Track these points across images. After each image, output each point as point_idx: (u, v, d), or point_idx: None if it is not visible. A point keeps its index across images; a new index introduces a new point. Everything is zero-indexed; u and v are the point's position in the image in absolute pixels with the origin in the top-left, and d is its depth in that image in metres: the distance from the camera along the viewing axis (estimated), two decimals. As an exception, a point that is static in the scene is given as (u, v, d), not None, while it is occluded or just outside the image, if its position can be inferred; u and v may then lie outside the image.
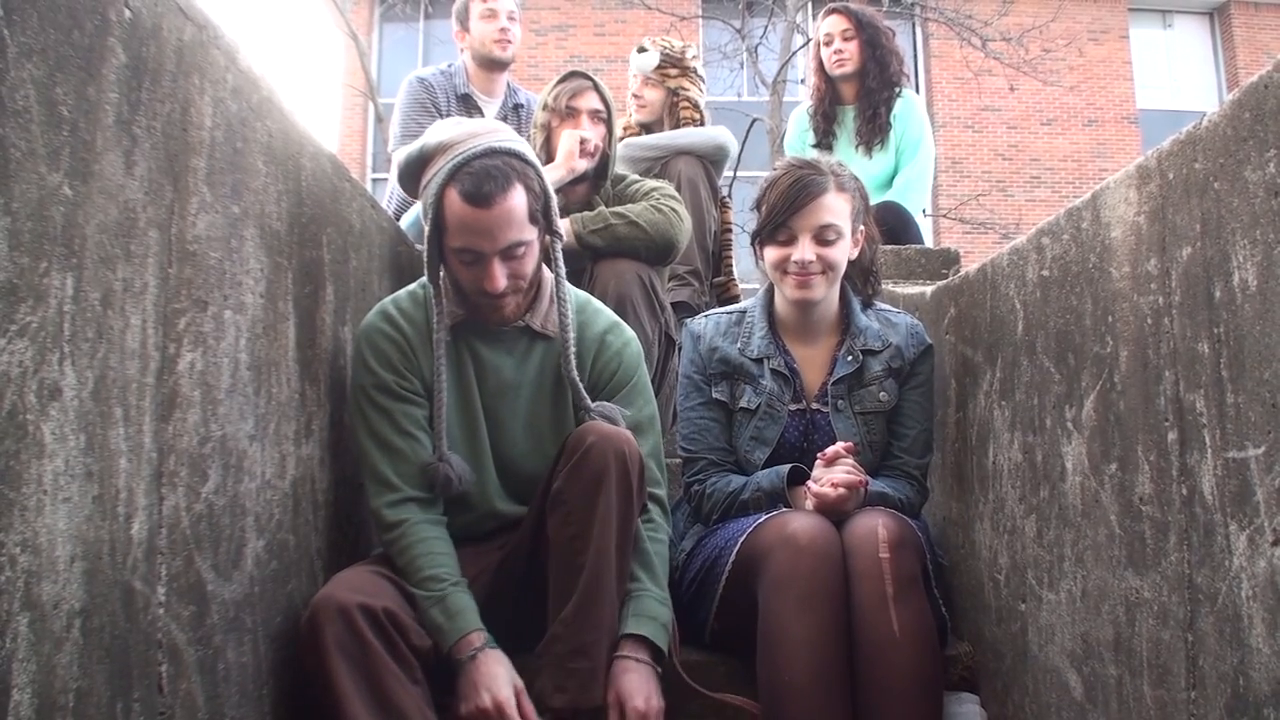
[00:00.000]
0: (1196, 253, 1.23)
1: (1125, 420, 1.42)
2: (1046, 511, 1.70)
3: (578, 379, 1.94)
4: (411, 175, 1.93)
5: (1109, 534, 1.47)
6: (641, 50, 3.70)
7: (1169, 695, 1.31)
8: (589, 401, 1.94)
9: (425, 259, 1.90)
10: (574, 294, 2.09)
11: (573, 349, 1.94)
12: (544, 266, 2.01)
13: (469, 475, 1.92)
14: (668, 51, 3.71)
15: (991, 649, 2.00)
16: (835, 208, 2.13)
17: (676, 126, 3.69)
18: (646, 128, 3.73)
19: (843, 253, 2.15)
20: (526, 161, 1.88)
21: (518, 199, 1.82)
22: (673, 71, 3.70)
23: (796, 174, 2.14)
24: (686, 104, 3.70)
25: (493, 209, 1.80)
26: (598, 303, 2.15)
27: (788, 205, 2.11)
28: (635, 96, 3.71)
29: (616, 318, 2.14)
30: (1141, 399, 1.37)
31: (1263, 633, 1.10)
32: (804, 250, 2.10)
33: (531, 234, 1.88)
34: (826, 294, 2.18)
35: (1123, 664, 1.43)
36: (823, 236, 2.11)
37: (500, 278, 1.85)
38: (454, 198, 1.81)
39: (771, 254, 2.16)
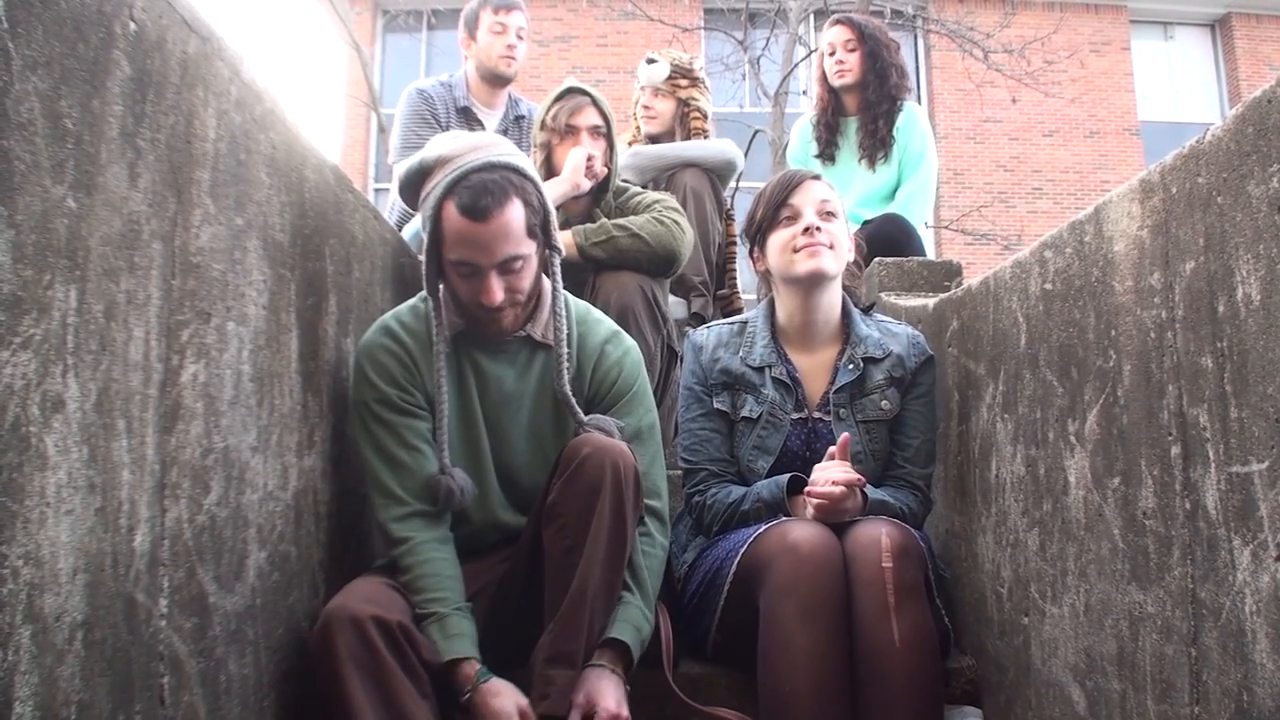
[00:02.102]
0: (1200, 267, 1.23)
1: (1128, 434, 1.42)
2: (1049, 525, 1.70)
3: (570, 394, 1.94)
4: (411, 188, 1.94)
5: (1112, 548, 1.47)
6: (651, 62, 3.70)
7: (1172, 710, 1.30)
8: (582, 416, 1.94)
9: (424, 271, 1.91)
10: (574, 304, 2.10)
11: (566, 364, 1.95)
12: (544, 278, 2.02)
13: (472, 489, 1.92)
14: (677, 62, 3.72)
15: (994, 662, 1.99)
16: (830, 192, 2.23)
17: (688, 137, 3.70)
18: (655, 139, 3.74)
19: (843, 233, 2.21)
20: (525, 176, 1.88)
21: (515, 213, 1.83)
22: (683, 82, 3.71)
23: (785, 171, 2.27)
24: (697, 114, 3.72)
25: (489, 223, 1.80)
26: (598, 312, 2.16)
27: (785, 187, 2.20)
28: (645, 108, 3.72)
29: (616, 327, 2.15)
30: (1144, 413, 1.37)
31: (1266, 648, 1.10)
32: (810, 217, 2.16)
33: (529, 248, 1.88)
34: (834, 277, 2.20)
35: (1126, 679, 1.43)
36: (824, 210, 2.18)
37: (497, 291, 1.85)
38: (451, 211, 1.82)
39: (778, 239, 2.19)
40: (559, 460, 1.84)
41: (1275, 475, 1.08)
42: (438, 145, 1.91)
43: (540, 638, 1.75)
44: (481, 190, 1.80)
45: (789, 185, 2.20)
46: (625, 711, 1.74)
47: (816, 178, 2.23)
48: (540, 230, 1.91)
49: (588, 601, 1.75)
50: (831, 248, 2.16)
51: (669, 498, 2.08)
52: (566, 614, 1.74)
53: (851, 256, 2.27)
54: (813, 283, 2.18)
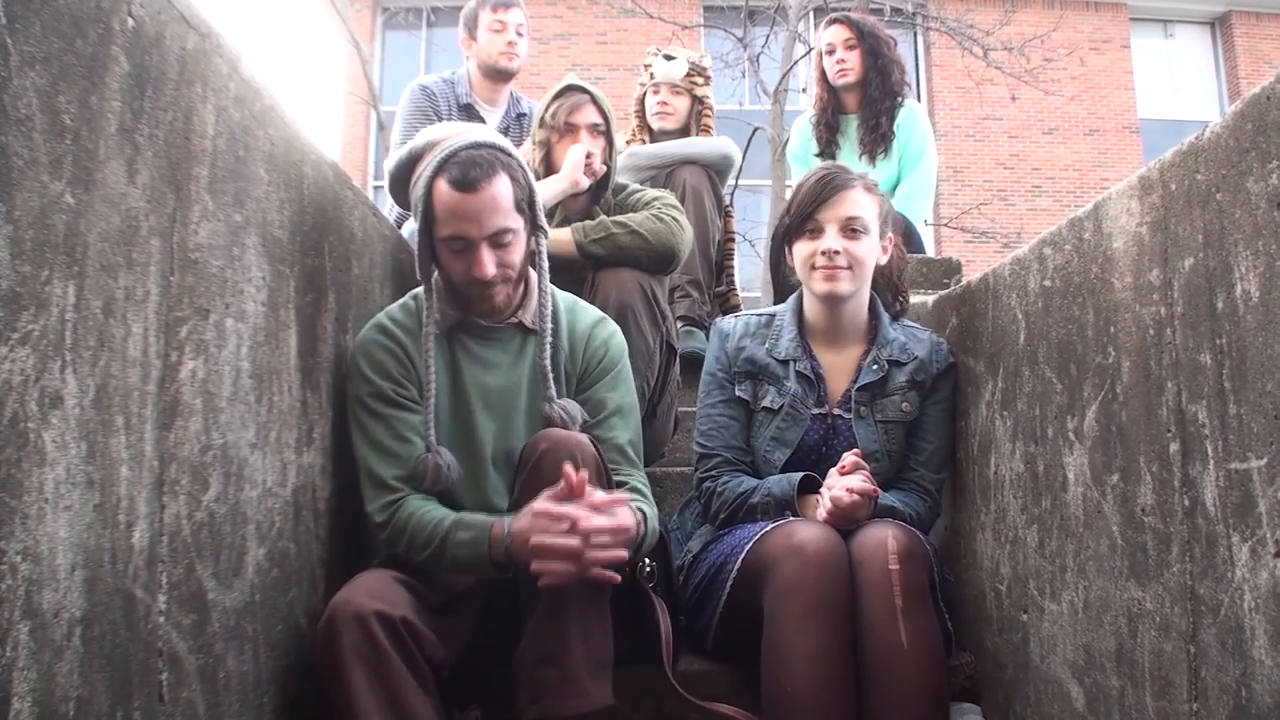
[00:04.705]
0: (1199, 264, 1.23)
1: (1127, 431, 1.42)
2: (1048, 522, 1.70)
3: (549, 369, 1.97)
4: (400, 179, 1.99)
5: (1111, 545, 1.47)
6: (669, 58, 3.71)
7: (1171, 707, 1.31)
8: (553, 393, 1.96)
9: (416, 256, 1.94)
10: (561, 294, 2.14)
11: (549, 339, 1.99)
12: (530, 269, 2.05)
13: (457, 468, 1.93)
14: (694, 60, 3.74)
15: (993, 659, 1.99)
16: (862, 203, 2.16)
17: (697, 134, 3.71)
18: (668, 135, 3.74)
19: (869, 250, 2.17)
20: (510, 155, 1.94)
21: (503, 186, 1.88)
22: (699, 80, 3.74)
23: (824, 172, 2.20)
24: (708, 112, 3.74)
25: (479, 193, 1.85)
26: (584, 302, 2.21)
27: (814, 198, 2.16)
28: (662, 104, 3.72)
29: (602, 314, 2.20)
30: (1144, 410, 1.37)
31: (1265, 644, 1.10)
32: (831, 240, 2.13)
33: (517, 222, 1.92)
34: (853, 293, 2.19)
35: (1125, 675, 1.43)
36: (849, 228, 2.14)
37: (489, 264, 1.89)
38: (442, 186, 1.86)
39: (801, 250, 2.18)
40: (520, 458, 1.86)
41: (1274, 472, 1.08)
42: (426, 134, 1.97)
43: (523, 641, 1.74)
44: (470, 164, 1.86)
45: (817, 197, 2.15)
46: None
47: (852, 186, 2.17)
48: (527, 207, 1.96)
49: (568, 598, 1.73)
50: (851, 268, 2.14)
51: (666, 492, 2.08)
52: (545, 612, 1.73)
53: (885, 261, 2.25)
54: (828, 302, 2.19)
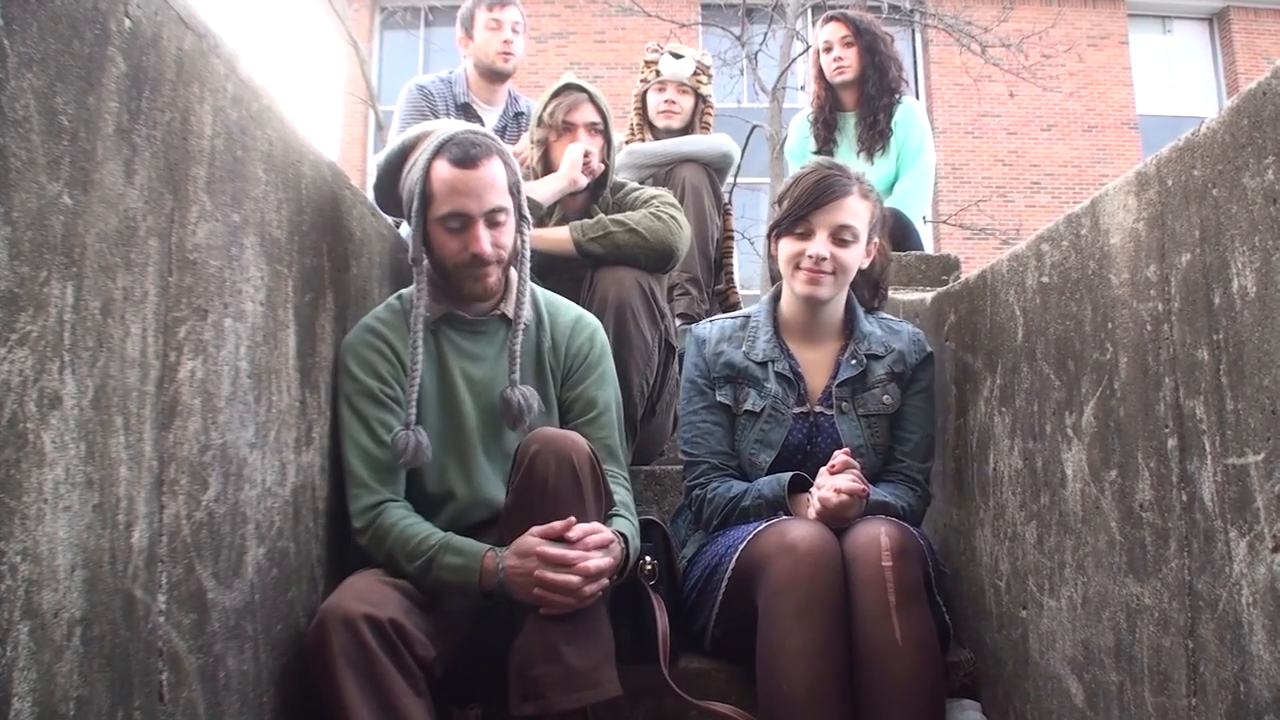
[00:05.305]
0: (1196, 259, 1.23)
1: (1125, 427, 1.42)
2: (1047, 518, 1.70)
3: (518, 353, 2.00)
4: (390, 172, 2.04)
5: (1109, 540, 1.47)
6: (677, 56, 3.71)
7: (1170, 702, 1.31)
8: (517, 377, 1.99)
9: (410, 242, 1.96)
10: (540, 290, 2.19)
11: (521, 324, 2.01)
12: (512, 269, 2.08)
13: (429, 449, 1.93)
14: (698, 58, 3.74)
15: (993, 655, 2.00)
16: (856, 210, 2.16)
17: (700, 131, 3.72)
18: (671, 135, 3.74)
19: (855, 257, 2.18)
20: (499, 143, 2.01)
21: (498, 166, 1.96)
22: (704, 79, 3.74)
23: (824, 173, 2.19)
24: (710, 109, 3.74)
25: (479, 169, 1.92)
26: (563, 299, 2.24)
27: (810, 200, 2.15)
28: (669, 102, 3.73)
29: (583, 310, 2.25)
30: (1141, 405, 1.37)
31: (1263, 639, 1.10)
32: (819, 246, 2.13)
33: (510, 204, 1.98)
34: (834, 295, 2.20)
35: (1124, 671, 1.43)
36: (839, 236, 2.14)
37: (486, 241, 1.93)
38: (441, 166, 1.92)
39: (787, 247, 2.18)
40: (514, 459, 1.87)
41: (1271, 467, 1.08)
42: (417, 128, 2.04)
43: (515, 640, 1.75)
44: (469, 144, 1.93)
45: (813, 201, 2.14)
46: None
47: (849, 192, 2.15)
48: (516, 192, 2.01)
49: None
50: (835, 274, 2.15)
51: (666, 490, 2.08)
52: (539, 611, 1.74)
53: (867, 264, 2.25)
54: (807, 303, 2.20)
